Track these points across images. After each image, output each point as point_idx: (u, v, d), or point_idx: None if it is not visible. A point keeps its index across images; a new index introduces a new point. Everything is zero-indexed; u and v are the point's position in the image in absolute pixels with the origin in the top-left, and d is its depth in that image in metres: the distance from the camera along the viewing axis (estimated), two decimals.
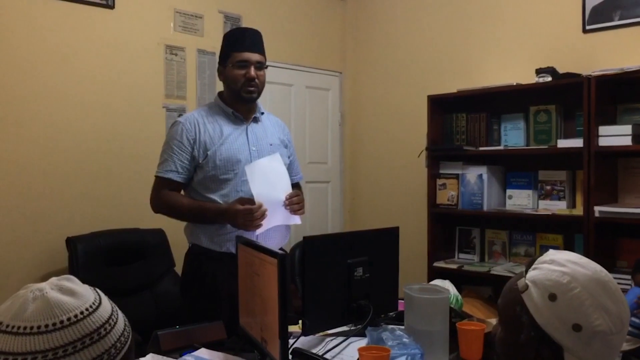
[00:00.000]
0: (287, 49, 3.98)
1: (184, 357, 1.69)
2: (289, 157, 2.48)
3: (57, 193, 2.92)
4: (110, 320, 0.83)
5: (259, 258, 1.63)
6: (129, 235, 2.91)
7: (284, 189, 2.26)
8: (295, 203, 2.25)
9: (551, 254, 1.05)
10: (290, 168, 2.47)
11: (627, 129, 2.73)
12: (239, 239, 1.91)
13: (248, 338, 1.80)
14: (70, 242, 2.66)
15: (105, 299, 0.86)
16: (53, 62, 2.90)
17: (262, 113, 2.42)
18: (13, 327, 0.77)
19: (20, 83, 2.80)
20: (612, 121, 2.95)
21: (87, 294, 0.84)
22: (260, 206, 2.14)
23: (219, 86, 2.51)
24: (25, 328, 0.77)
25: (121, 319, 0.86)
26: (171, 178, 2.23)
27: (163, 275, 2.91)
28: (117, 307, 0.87)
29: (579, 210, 2.97)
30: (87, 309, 0.81)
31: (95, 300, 0.83)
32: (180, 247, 2.43)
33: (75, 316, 0.79)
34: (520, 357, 1.02)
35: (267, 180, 2.22)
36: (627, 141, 2.73)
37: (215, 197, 2.24)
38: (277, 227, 2.34)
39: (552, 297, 0.97)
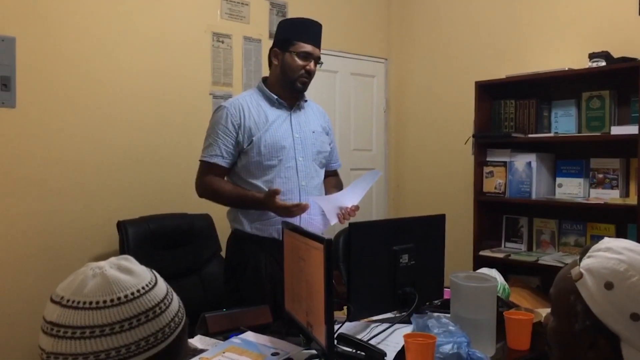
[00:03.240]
0: (332, 35, 3.96)
1: (231, 339, 1.73)
2: (329, 145, 2.49)
3: (108, 180, 3.00)
4: (166, 300, 0.85)
5: (305, 243, 1.64)
6: (177, 220, 2.96)
7: (351, 199, 2.27)
8: (348, 215, 2.26)
9: (607, 241, 1.01)
10: (330, 155, 2.48)
11: None
12: (285, 224, 1.93)
13: (293, 322, 1.82)
14: (121, 225, 2.73)
15: (161, 280, 0.88)
16: (101, 54, 2.97)
17: (306, 101, 2.43)
18: (73, 301, 0.80)
19: (71, 76, 2.88)
20: None
21: (144, 273, 0.87)
22: (299, 205, 2.15)
23: (265, 72, 2.53)
24: (84, 303, 0.80)
25: (176, 299, 0.88)
26: (216, 163, 2.26)
27: (210, 259, 2.96)
28: (171, 289, 0.90)
29: (632, 200, 2.88)
30: (143, 288, 0.83)
31: (151, 280, 0.86)
32: (227, 232, 2.47)
33: (132, 294, 0.82)
34: (574, 347, 0.99)
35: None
36: None
37: (258, 183, 2.26)
38: (316, 215, 2.35)
39: (609, 286, 0.94)
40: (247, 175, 2.28)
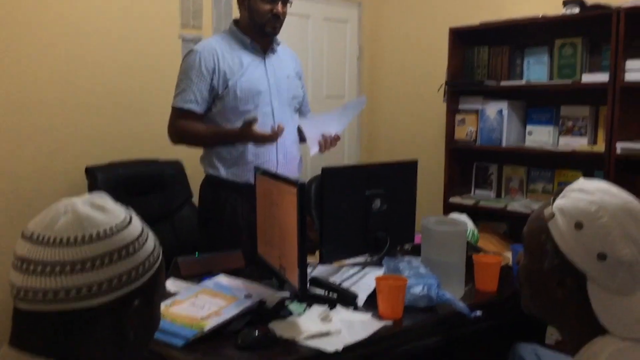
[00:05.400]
0: None
1: (204, 282, 1.73)
2: (302, 89, 2.46)
3: (76, 124, 2.92)
4: (140, 239, 0.84)
5: (278, 187, 1.64)
6: (147, 167, 2.92)
7: (335, 125, 2.25)
8: (330, 144, 2.24)
9: (581, 182, 1.03)
10: (302, 100, 2.46)
11: None
12: (257, 169, 1.91)
13: (266, 266, 1.83)
14: (90, 171, 2.69)
15: (136, 219, 0.86)
16: None
17: (278, 44, 2.38)
18: (44, 237, 0.78)
19: (37, 16, 2.75)
20: None
21: (118, 211, 0.85)
22: (275, 134, 2.13)
23: (235, 15, 2.45)
24: (55, 239, 0.78)
25: (151, 238, 0.87)
26: (190, 109, 2.21)
27: (181, 205, 2.94)
28: (148, 228, 0.88)
29: (600, 147, 2.93)
30: (116, 226, 0.82)
31: (125, 218, 0.84)
32: (198, 179, 2.45)
33: (105, 231, 0.80)
34: (543, 284, 1.02)
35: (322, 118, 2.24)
36: None
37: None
38: (293, 160, 2.34)
39: (579, 226, 0.96)
40: (223, 120, 2.24)
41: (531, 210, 3.11)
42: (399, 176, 2.07)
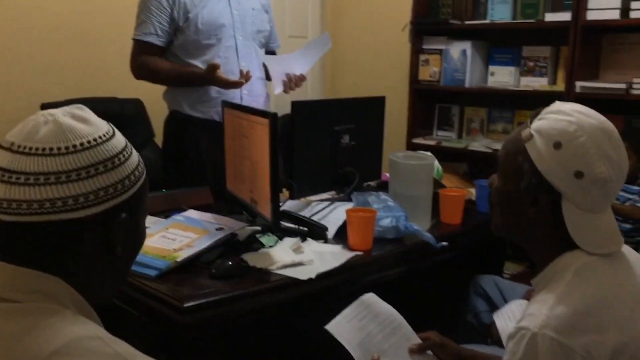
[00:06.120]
0: None
1: (173, 216, 1.72)
2: (269, 23, 2.40)
3: (30, 60, 2.79)
4: (125, 152, 0.82)
5: (248, 120, 1.61)
6: (106, 104, 2.83)
7: (301, 65, 2.21)
8: (295, 84, 2.21)
9: (558, 104, 1.05)
10: (269, 35, 2.41)
11: (617, 1, 2.69)
12: (224, 103, 1.88)
13: (236, 201, 1.83)
14: (46, 108, 2.58)
15: (119, 133, 0.84)
16: None
17: None
18: (25, 147, 0.75)
19: None
20: None
21: (100, 123, 0.82)
22: (241, 81, 2.09)
23: None
24: (37, 149, 0.75)
25: (135, 154, 0.85)
26: (151, 41, 2.14)
27: (143, 144, 2.87)
28: (130, 144, 0.86)
29: (560, 87, 2.99)
30: (100, 137, 0.79)
31: (108, 131, 0.81)
32: (159, 117, 2.39)
33: (89, 142, 0.77)
34: (517, 204, 1.05)
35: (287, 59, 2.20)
36: (615, 15, 2.70)
37: (197, 63, 2.17)
38: (258, 96, 2.31)
39: (557, 145, 0.98)
40: (185, 55, 2.17)
41: (491, 149, 3.19)
42: (367, 112, 2.07)
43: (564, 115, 1.01)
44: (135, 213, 0.83)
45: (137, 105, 2.93)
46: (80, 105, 0.83)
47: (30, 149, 0.75)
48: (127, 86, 2.61)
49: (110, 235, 0.80)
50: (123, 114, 2.86)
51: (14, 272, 0.74)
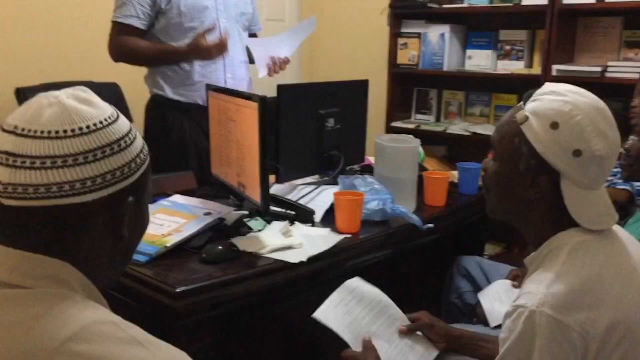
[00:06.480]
0: None
1: (159, 201, 1.70)
2: (251, 5, 2.37)
3: (3, 42, 2.72)
4: (130, 135, 0.80)
5: (235, 103, 1.60)
6: None
7: (285, 48, 2.19)
8: (279, 67, 2.19)
9: (550, 85, 1.07)
10: (252, 17, 2.38)
11: None
12: (209, 86, 1.86)
13: (222, 185, 1.82)
14: (21, 92, 2.53)
15: (122, 116, 0.83)
16: None
17: None
18: (29, 130, 0.73)
19: None
20: None
21: (105, 106, 0.81)
22: (223, 43, 2.07)
23: None
24: (42, 132, 0.73)
25: (139, 137, 0.84)
26: (132, 24, 2.09)
27: None
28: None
29: (536, 70, 3.03)
30: (105, 120, 0.78)
31: (112, 114, 0.80)
32: (137, 102, 2.35)
33: (95, 125, 0.76)
34: (515, 185, 1.07)
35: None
36: None
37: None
38: (241, 80, 2.29)
39: (554, 125, 1.00)
40: (166, 37, 2.14)
41: (469, 132, 3.23)
42: (351, 95, 2.07)
43: (558, 96, 1.02)
44: (141, 196, 0.83)
45: (114, 90, 2.88)
46: (83, 87, 0.81)
47: (35, 131, 0.73)
48: (104, 70, 2.55)
49: (117, 219, 0.79)
50: (100, 98, 2.81)
51: (21, 257, 0.73)
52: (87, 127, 0.75)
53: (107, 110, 0.80)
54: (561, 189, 1.02)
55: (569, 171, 1.01)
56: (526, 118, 1.03)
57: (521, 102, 1.09)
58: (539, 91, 1.06)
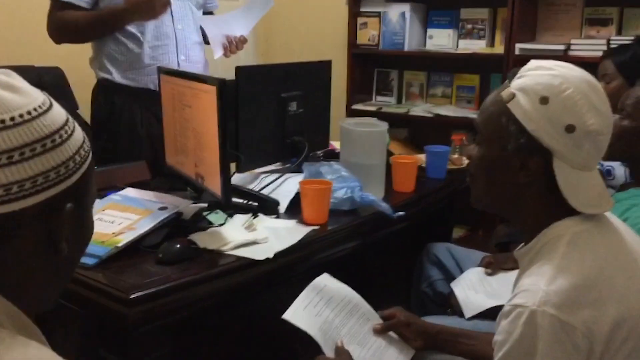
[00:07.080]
0: None
1: (109, 196, 1.56)
2: None
3: None
4: (66, 128, 0.67)
5: (191, 88, 1.47)
6: (22, 73, 2.52)
7: (240, 27, 2.06)
8: (235, 46, 2.08)
9: (535, 62, 0.99)
10: None
11: None
12: (160, 69, 1.71)
13: (178, 176, 1.69)
14: None
15: (57, 104, 0.69)
16: None
17: None
18: None
19: None
20: None
21: (35, 92, 0.67)
22: None
23: None
24: None
25: (79, 130, 0.70)
26: (72, 2, 1.92)
27: None
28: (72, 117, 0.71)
29: (498, 49, 2.98)
30: (35, 109, 0.64)
31: (44, 102, 0.66)
32: (82, 87, 2.18)
33: (21, 115, 0.62)
34: (504, 170, 0.98)
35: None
36: None
37: (129, 27, 1.98)
38: (196, 62, 2.15)
39: (544, 100, 0.92)
40: None
41: (432, 114, 3.17)
42: (314, 77, 1.96)
43: (545, 70, 0.95)
44: (82, 202, 0.70)
45: (57, 74, 2.67)
46: (6, 70, 0.67)
47: None
48: (45, 53, 2.36)
49: (54, 232, 0.66)
50: (41, 84, 2.60)
51: None
52: (12, 119, 0.62)
53: (37, 97, 0.66)
54: (554, 170, 0.94)
55: (561, 150, 0.93)
56: (513, 95, 0.95)
57: (506, 81, 1.00)
58: (524, 68, 0.98)
